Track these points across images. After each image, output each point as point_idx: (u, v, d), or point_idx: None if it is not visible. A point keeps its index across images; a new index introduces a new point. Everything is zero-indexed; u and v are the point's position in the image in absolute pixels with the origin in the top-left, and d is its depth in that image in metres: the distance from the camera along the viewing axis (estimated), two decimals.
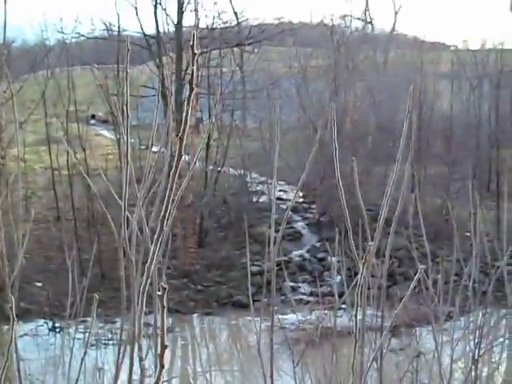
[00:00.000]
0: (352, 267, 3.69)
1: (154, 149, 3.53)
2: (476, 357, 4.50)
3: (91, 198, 19.32)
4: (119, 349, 3.59)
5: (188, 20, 24.78)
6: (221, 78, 24.07)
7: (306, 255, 21.17)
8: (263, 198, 25.13)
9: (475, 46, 38.18)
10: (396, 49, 37.48)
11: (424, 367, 5.59)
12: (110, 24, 24.02)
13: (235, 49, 26.96)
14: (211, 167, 23.33)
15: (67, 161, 20.99)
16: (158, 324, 2.67)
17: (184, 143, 1.66)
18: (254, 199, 25.10)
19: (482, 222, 5.46)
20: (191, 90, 1.69)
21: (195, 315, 17.56)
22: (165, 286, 1.62)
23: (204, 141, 19.94)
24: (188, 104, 1.67)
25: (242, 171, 25.73)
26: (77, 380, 3.82)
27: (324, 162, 20.21)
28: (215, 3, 24.02)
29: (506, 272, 5.18)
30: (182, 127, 1.69)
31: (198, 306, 17.82)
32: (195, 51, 1.66)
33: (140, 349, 2.50)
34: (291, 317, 13.43)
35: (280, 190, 25.65)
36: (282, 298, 17.05)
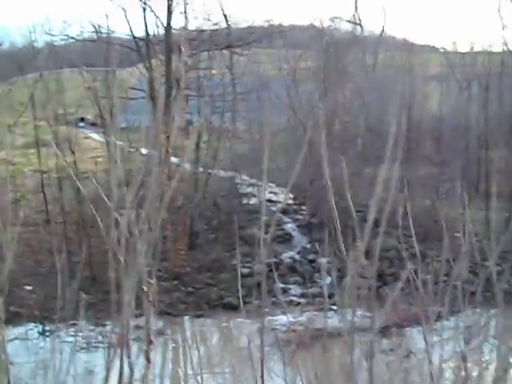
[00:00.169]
0: (342, 268, 3.69)
1: (144, 151, 3.53)
2: (465, 356, 4.52)
3: (81, 200, 19.26)
4: (109, 351, 3.58)
5: (177, 22, 24.73)
6: (210, 80, 24.08)
7: (297, 257, 21.18)
8: (253, 200, 25.15)
9: (464, 49, 38.44)
10: (385, 51, 37.60)
11: (415, 367, 5.61)
12: (99, 26, 23.98)
13: (225, 51, 26.97)
14: (201, 169, 23.32)
15: (56, 164, 20.91)
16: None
17: (171, 142, 1.66)
18: (245, 201, 25.12)
19: (471, 223, 5.48)
20: (177, 87, 1.70)
21: (186, 317, 17.53)
22: (151, 281, 1.62)
23: (193, 142, 19.93)
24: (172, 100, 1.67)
25: (232, 173, 25.75)
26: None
27: (314, 163, 20.24)
28: (204, 5, 24.05)
29: (495, 272, 5.21)
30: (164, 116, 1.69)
31: (189, 309, 17.79)
32: (182, 49, 1.66)
33: (128, 348, 2.49)
34: (282, 318, 13.45)
35: (270, 192, 25.67)
36: (273, 299, 17.08)
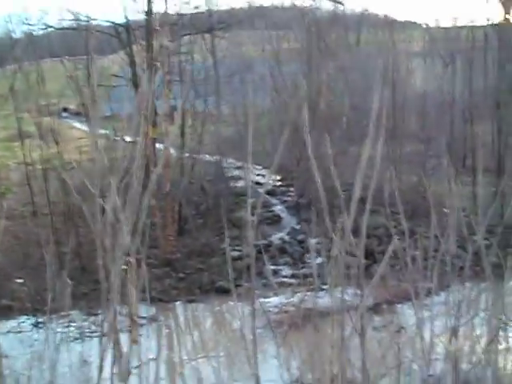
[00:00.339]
0: (331, 248, 3.70)
1: (128, 139, 3.51)
2: (456, 331, 4.56)
3: (67, 191, 19.16)
4: (101, 341, 3.58)
5: (157, 6, 24.48)
6: (192, 64, 23.95)
7: (286, 238, 21.21)
8: (240, 183, 25.15)
9: (447, 24, 38.39)
10: (368, 28, 37.51)
11: (406, 343, 5.65)
12: (78, 14, 23.73)
13: (206, 34, 26.79)
14: (187, 154, 23.26)
15: (41, 155, 20.77)
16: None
17: (155, 128, 1.64)
18: (232, 184, 25.12)
19: (458, 198, 5.50)
20: (151, 65, 1.67)
21: (178, 303, 17.55)
22: (131, 260, 1.62)
23: (178, 128, 19.86)
24: (149, 81, 1.66)
25: (218, 157, 25.70)
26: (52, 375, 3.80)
27: (300, 143, 20.22)
28: None
29: (483, 246, 5.24)
30: (149, 106, 1.68)
31: (181, 294, 17.80)
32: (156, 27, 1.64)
33: (116, 333, 2.49)
34: (274, 300, 13.52)
35: (257, 175, 25.68)
36: (264, 281, 17.15)
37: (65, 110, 34.99)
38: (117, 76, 24.48)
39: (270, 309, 11.97)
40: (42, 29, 26.48)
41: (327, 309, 3.16)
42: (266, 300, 14.14)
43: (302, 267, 16.59)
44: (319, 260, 9.02)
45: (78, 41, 24.91)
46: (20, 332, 15.11)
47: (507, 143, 23.33)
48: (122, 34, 22.47)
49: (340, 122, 25.83)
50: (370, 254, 17.24)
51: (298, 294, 13.40)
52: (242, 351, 4.22)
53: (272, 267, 18.38)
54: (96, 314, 14.97)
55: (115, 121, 17.49)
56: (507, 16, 25.45)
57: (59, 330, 3.78)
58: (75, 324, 14.51)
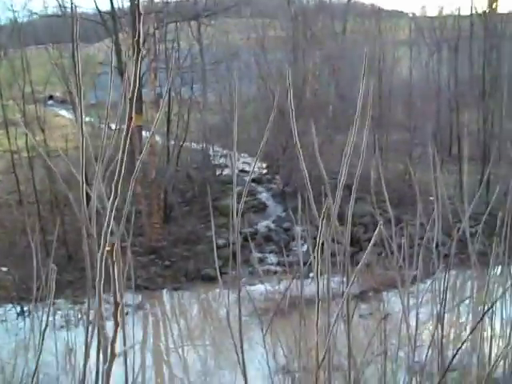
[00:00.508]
0: (317, 236, 3.70)
1: (113, 126, 3.48)
2: (442, 318, 4.59)
3: (53, 179, 19.07)
4: (87, 328, 3.57)
5: None
6: (178, 52, 23.84)
7: (272, 226, 21.26)
8: (226, 171, 25.15)
9: (433, 13, 38.43)
10: (354, 17, 37.47)
11: (392, 330, 5.69)
12: (63, 1, 23.48)
13: (192, 21, 26.66)
14: (173, 142, 23.20)
15: (26, 143, 20.63)
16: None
17: (140, 115, 1.63)
18: (218, 172, 25.12)
19: (444, 186, 5.53)
20: (137, 52, 1.66)
21: (164, 291, 17.56)
22: (114, 242, 1.62)
23: (162, 114, 19.78)
24: (135, 65, 1.64)
25: (204, 145, 25.66)
26: (37, 363, 3.79)
27: (286, 132, 20.23)
28: None
29: (468, 233, 5.27)
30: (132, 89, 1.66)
31: (167, 282, 17.80)
32: (141, 12, 1.63)
33: (102, 319, 2.48)
34: (259, 287, 13.54)
35: (244, 163, 25.70)
36: (250, 269, 17.18)
37: (50, 97, 34.74)
38: (103, 64, 24.31)
39: (256, 296, 11.98)
40: (27, 16, 26.24)
41: (313, 296, 3.16)
42: (252, 288, 14.18)
43: (288, 255, 16.62)
44: (305, 247, 9.05)
45: (63, 28, 24.68)
46: (5, 320, 15.06)
47: (493, 132, 23.47)
48: (108, 22, 22.27)
49: (326, 111, 25.85)
50: (356, 242, 17.45)
51: (284, 282, 13.45)
52: (228, 339, 4.22)
53: (258, 255, 18.44)
54: (82, 303, 14.96)
55: (101, 108, 17.40)
56: (493, 5, 25.56)
57: (44, 318, 3.76)
58: (61, 312, 14.48)
